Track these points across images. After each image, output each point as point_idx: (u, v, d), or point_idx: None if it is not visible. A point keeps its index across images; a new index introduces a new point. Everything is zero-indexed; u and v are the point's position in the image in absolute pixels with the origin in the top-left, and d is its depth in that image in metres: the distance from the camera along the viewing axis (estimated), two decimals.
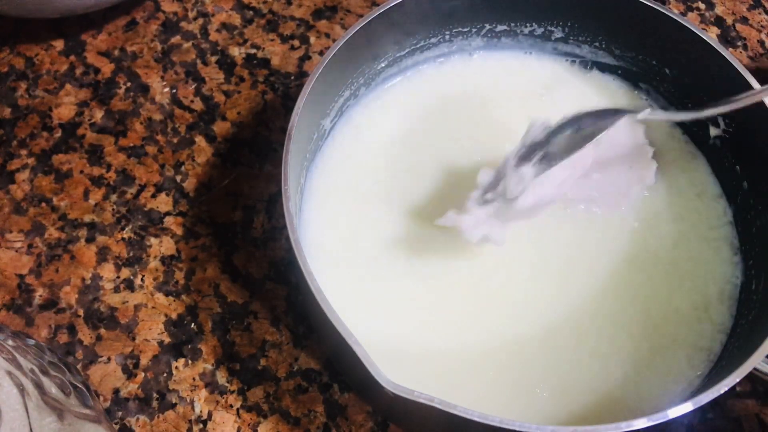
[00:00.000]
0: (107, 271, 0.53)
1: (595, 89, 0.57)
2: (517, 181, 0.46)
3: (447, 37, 0.57)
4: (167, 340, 0.51)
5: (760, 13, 0.68)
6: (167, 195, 0.56)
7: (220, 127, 0.59)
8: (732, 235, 0.51)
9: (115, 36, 0.64)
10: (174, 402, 0.49)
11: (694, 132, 0.55)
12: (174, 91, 0.61)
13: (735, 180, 0.52)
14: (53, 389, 0.40)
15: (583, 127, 0.48)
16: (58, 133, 0.59)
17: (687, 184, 0.53)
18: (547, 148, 0.47)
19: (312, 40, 0.64)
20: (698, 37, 0.50)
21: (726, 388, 0.38)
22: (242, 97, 0.61)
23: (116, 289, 0.52)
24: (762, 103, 0.47)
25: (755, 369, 0.39)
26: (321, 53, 0.63)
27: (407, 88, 0.57)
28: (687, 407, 0.38)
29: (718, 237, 0.51)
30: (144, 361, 0.50)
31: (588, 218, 0.52)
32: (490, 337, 0.47)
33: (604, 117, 0.48)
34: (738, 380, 0.38)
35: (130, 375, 0.49)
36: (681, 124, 0.55)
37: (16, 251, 0.53)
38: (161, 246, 0.54)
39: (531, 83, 0.57)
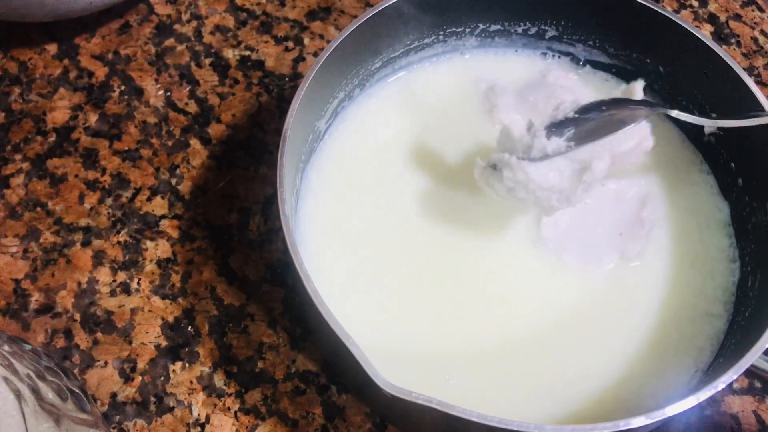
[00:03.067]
0: (103, 275, 0.53)
1: (591, 87, 0.57)
2: (545, 148, 0.45)
3: (441, 37, 0.57)
4: (164, 343, 0.51)
5: (753, 10, 0.68)
6: (163, 198, 0.56)
7: (214, 130, 0.59)
8: (728, 233, 0.51)
9: (109, 39, 0.64)
10: (172, 405, 0.49)
11: (689, 129, 0.55)
12: (168, 93, 0.61)
13: (730, 177, 0.52)
14: (50, 394, 0.40)
15: (615, 112, 0.47)
16: (53, 138, 0.58)
17: (683, 181, 0.54)
18: (577, 126, 0.46)
19: (306, 41, 0.64)
20: (692, 34, 0.50)
21: (723, 385, 0.38)
22: (237, 99, 0.61)
23: (112, 293, 0.52)
24: (755, 98, 0.47)
25: (753, 365, 0.39)
26: (315, 54, 0.63)
27: (402, 89, 0.57)
28: (685, 404, 0.38)
29: (714, 234, 0.51)
30: (141, 364, 0.50)
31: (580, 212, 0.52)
32: (488, 338, 0.47)
33: (636, 107, 0.48)
34: (736, 377, 0.38)
35: (127, 379, 0.49)
36: (677, 121, 0.55)
37: (12, 256, 0.53)
38: (157, 249, 0.54)
39: (525, 82, 0.57)
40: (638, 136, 0.50)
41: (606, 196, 0.52)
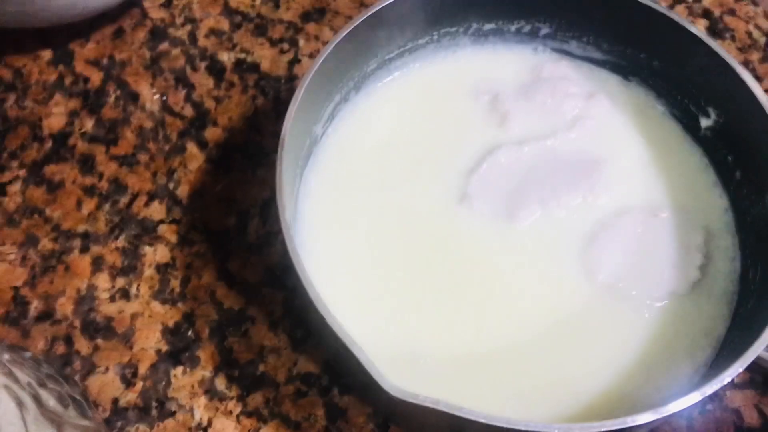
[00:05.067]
0: (102, 280, 0.53)
1: (587, 81, 0.57)
2: None
3: (435, 37, 0.57)
4: (165, 348, 0.50)
5: (747, 5, 0.68)
6: (160, 203, 0.56)
7: (211, 133, 0.59)
8: (728, 226, 0.51)
9: (103, 44, 0.63)
10: (173, 410, 0.48)
11: (686, 122, 0.55)
12: (164, 98, 0.61)
13: (728, 170, 0.52)
14: (51, 402, 0.40)
15: None
16: (49, 144, 0.58)
17: (683, 175, 0.54)
18: None
19: (301, 43, 0.64)
20: (686, 29, 0.50)
21: (729, 379, 0.38)
22: (233, 102, 0.61)
23: (112, 299, 0.52)
24: (751, 92, 0.47)
25: (758, 358, 0.39)
26: (311, 56, 0.63)
27: (397, 89, 0.57)
28: (691, 399, 0.38)
29: (715, 228, 0.51)
30: (142, 369, 0.50)
31: (581, 206, 0.52)
32: (490, 338, 0.47)
33: None
34: (741, 370, 0.38)
35: (128, 384, 0.49)
36: (674, 114, 0.56)
37: (10, 263, 0.53)
38: (156, 254, 0.54)
39: (524, 83, 0.57)
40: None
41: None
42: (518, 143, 0.53)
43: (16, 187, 0.56)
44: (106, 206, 0.56)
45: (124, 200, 0.56)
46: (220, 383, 0.49)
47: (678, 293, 0.49)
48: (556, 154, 0.53)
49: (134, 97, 0.61)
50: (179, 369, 0.50)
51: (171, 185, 0.57)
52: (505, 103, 0.55)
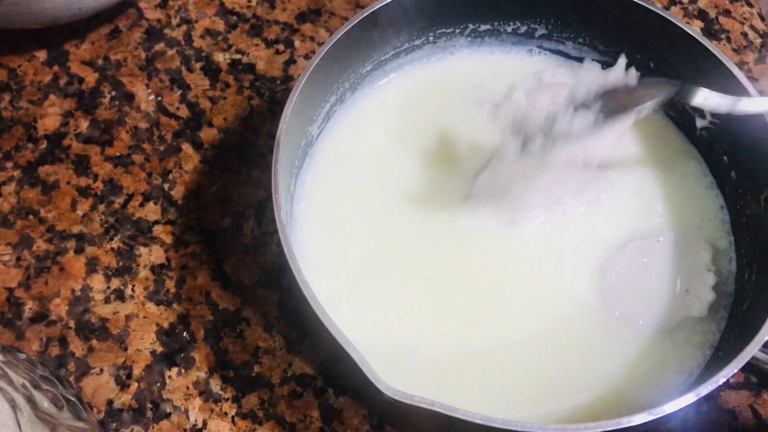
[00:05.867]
0: (97, 281, 0.53)
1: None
2: (571, 123, 0.46)
3: (431, 38, 0.57)
4: (159, 349, 0.50)
5: (742, 6, 0.69)
6: (155, 203, 0.56)
7: (206, 134, 0.59)
8: (723, 225, 0.51)
9: (99, 45, 0.63)
10: (168, 411, 0.48)
11: (682, 123, 0.55)
12: (159, 98, 0.61)
13: (723, 170, 0.52)
14: (45, 403, 0.40)
15: (636, 93, 0.47)
16: (44, 145, 0.58)
17: (680, 177, 0.54)
18: (601, 102, 0.46)
19: (297, 43, 0.64)
20: (682, 30, 0.50)
21: (725, 379, 0.38)
22: (228, 102, 0.61)
23: (107, 300, 0.52)
24: (747, 93, 0.47)
25: (753, 358, 0.39)
26: (306, 57, 0.63)
27: (393, 90, 0.57)
28: (686, 400, 0.38)
29: (710, 227, 0.52)
30: (137, 371, 0.50)
31: (585, 214, 0.52)
32: (487, 339, 0.47)
33: (659, 88, 0.47)
34: (736, 370, 0.38)
35: (123, 386, 0.49)
36: (670, 116, 0.56)
37: (5, 264, 0.53)
38: (151, 255, 0.54)
39: (515, 80, 0.57)
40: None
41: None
42: (522, 147, 0.53)
43: (10, 187, 0.56)
44: (101, 207, 0.55)
45: (119, 201, 0.56)
46: (215, 384, 0.49)
47: (694, 316, 0.48)
48: (561, 160, 0.53)
49: (129, 98, 0.61)
50: (174, 370, 0.50)
51: (166, 186, 0.57)
52: (505, 113, 0.55)
